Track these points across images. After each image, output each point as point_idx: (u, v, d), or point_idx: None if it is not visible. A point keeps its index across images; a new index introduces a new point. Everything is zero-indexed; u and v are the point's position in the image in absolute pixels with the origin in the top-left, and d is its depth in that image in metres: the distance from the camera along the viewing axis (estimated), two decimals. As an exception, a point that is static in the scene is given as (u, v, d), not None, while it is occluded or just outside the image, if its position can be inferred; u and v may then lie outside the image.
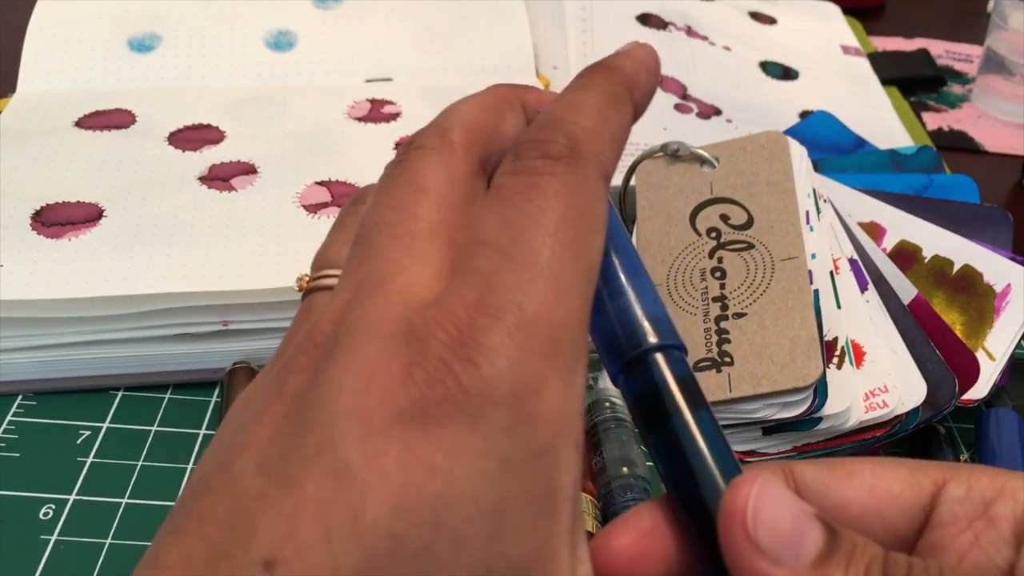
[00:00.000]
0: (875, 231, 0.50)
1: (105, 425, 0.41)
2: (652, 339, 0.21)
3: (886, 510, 0.22)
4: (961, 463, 0.23)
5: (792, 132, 0.58)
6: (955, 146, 0.65)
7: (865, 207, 0.51)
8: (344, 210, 0.24)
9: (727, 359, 0.42)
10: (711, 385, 0.42)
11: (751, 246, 0.46)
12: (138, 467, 0.39)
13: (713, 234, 0.47)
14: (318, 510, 0.15)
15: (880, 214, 0.51)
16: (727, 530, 0.19)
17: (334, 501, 0.16)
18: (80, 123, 0.53)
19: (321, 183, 0.48)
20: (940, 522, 0.21)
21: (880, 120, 0.65)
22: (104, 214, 0.45)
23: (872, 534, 0.21)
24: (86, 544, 0.36)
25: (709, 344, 0.43)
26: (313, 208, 0.46)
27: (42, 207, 0.45)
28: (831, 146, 0.60)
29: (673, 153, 0.50)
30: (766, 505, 0.19)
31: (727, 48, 0.69)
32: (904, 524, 0.22)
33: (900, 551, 0.21)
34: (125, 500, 0.38)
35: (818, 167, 0.53)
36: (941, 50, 0.77)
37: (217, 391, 0.43)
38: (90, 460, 0.39)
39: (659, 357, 0.21)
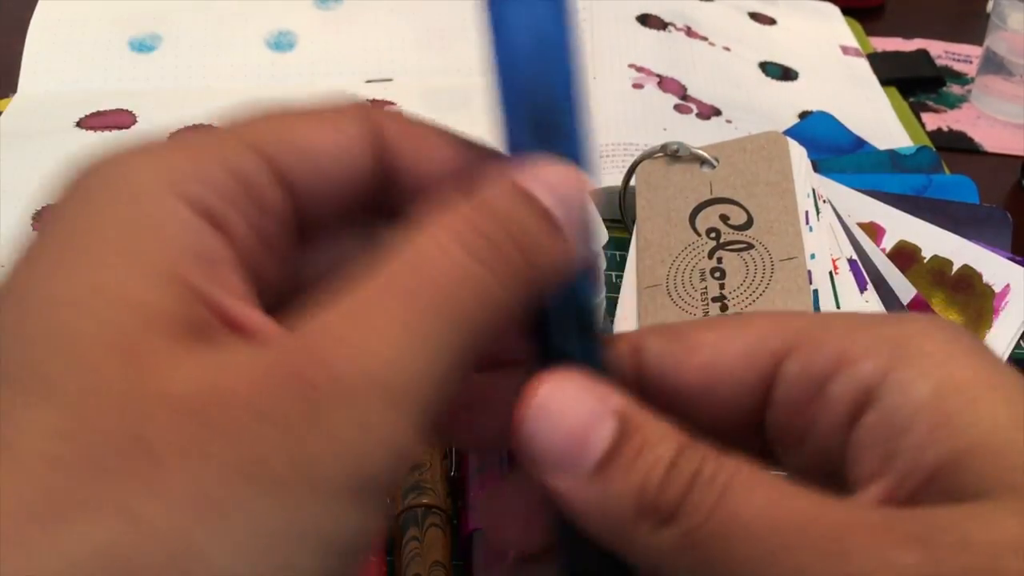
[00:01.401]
0: (874, 231, 0.50)
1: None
2: None
3: (722, 390, 0.20)
4: (813, 316, 0.20)
5: (792, 132, 0.58)
6: (954, 146, 0.65)
7: (864, 207, 0.51)
8: None
9: (727, 359, 0.42)
10: (711, 385, 0.42)
11: (750, 246, 0.46)
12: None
13: (712, 234, 0.47)
14: None
15: (879, 214, 0.51)
16: (516, 439, 0.17)
17: None
18: (81, 123, 0.53)
19: (321, 183, 0.49)
20: (778, 404, 0.19)
21: (879, 120, 0.65)
22: (105, 214, 0.45)
23: (714, 418, 0.19)
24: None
25: (709, 344, 0.43)
26: (313, 208, 0.47)
27: (42, 208, 0.46)
28: (830, 146, 0.60)
29: (673, 153, 0.50)
30: (552, 407, 0.17)
31: (727, 48, 0.69)
32: (745, 405, 0.20)
33: (747, 434, 0.20)
34: None
35: (817, 167, 0.53)
36: (940, 50, 0.77)
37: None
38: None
39: None
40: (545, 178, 0.18)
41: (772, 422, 0.20)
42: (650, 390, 0.20)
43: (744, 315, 0.20)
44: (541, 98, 0.20)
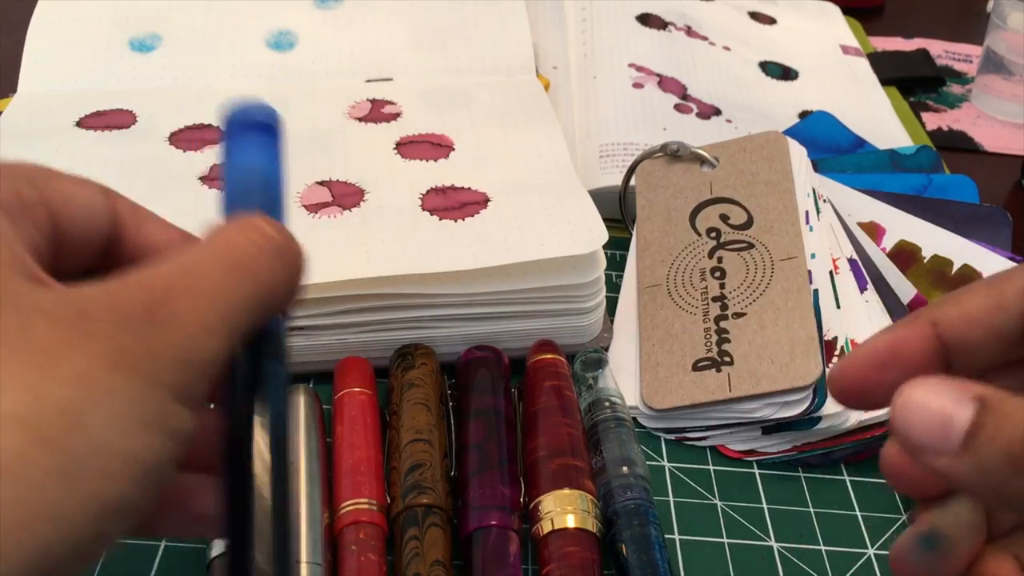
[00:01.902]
0: (874, 231, 0.50)
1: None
2: None
3: (996, 323, 0.23)
4: None
5: (792, 132, 0.58)
6: (954, 146, 0.65)
7: (864, 207, 0.51)
8: None
9: (727, 359, 0.42)
10: (711, 384, 0.42)
11: (751, 246, 0.46)
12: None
13: (713, 234, 0.47)
14: None
15: (879, 214, 0.51)
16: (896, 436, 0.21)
17: None
18: (81, 123, 0.53)
19: (322, 183, 0.49)
20: None
21: (879, 120, 0.65)
22: (105, 214, 0.45)
23: (990, 347, 0.23)
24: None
25: (709, 344, 0.43)
26: (314, 208, 0.47)
27: None
28: (830, 146, 0.60)
29: (673, 153, 0.50)
30: (917, 395, 0.20)
31: (727, 48, 0.69)
32: (1017, 330, 0.23)
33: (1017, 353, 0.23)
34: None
35: (817, 167, 0.53)
36: (940, 50, 0.77)
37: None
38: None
39: None
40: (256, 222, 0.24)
41: None
42: (948, 346, 0.23)
43: (1004, 272, 0.24)
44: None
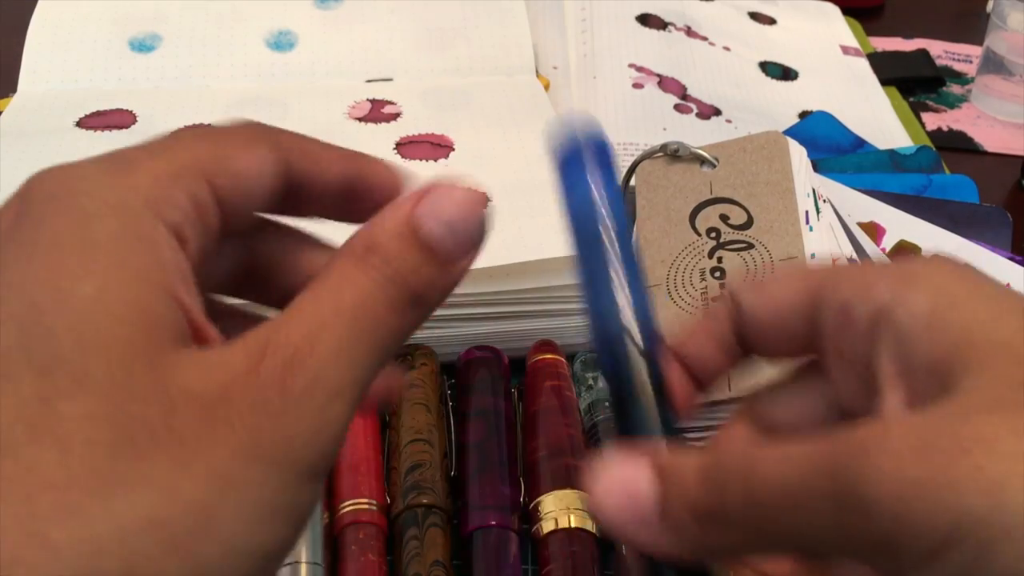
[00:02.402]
0: (874, 231, 0.50)
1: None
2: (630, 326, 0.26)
3: (788, 318, 0.24)
4: (856, 263, 0.24)
5: (791, 132, 0.58)
6: (954, 146, 0.65)
7: (864, 207, 0.51)
8: None
9: (727, 359, 0.42)
10: (711, 385, 0.42)
11: (751, 246, 0.46)
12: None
13: (713, 234, 0.47)
14: None
15: (879, 214, 0.51)
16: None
17: None
18: (81, 123, 0.53)
19: (321, 183, 0.49)
20: (820, 331, 0.23)
21: (879, 120, 0.65)
22: (105, 214, 0.45)
23: (777, 344, 0.25)
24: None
25: (709, 344, 0.43)
26: (313, 208, 0.47)
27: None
28: (830, 146, 0.60)
29: (673, 153, 0.50)
30: (601, 479, 0.21)
31: (727, 48, 0.69)
32: (802, 329, 0.24)
33: (807, 351, 0.24)
34: None
35: (817, 167, 0.53)
36: (940, 50, 0.77)
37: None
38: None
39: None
40: (434, 206, 0.21)
41: (823, 345, 0.23)
42: (746, 328, 0.25)
43: (802, 266, 0.25)
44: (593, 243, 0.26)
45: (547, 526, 0.35)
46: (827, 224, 0.47)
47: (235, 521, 0.17)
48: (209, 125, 0.22)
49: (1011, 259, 0.47)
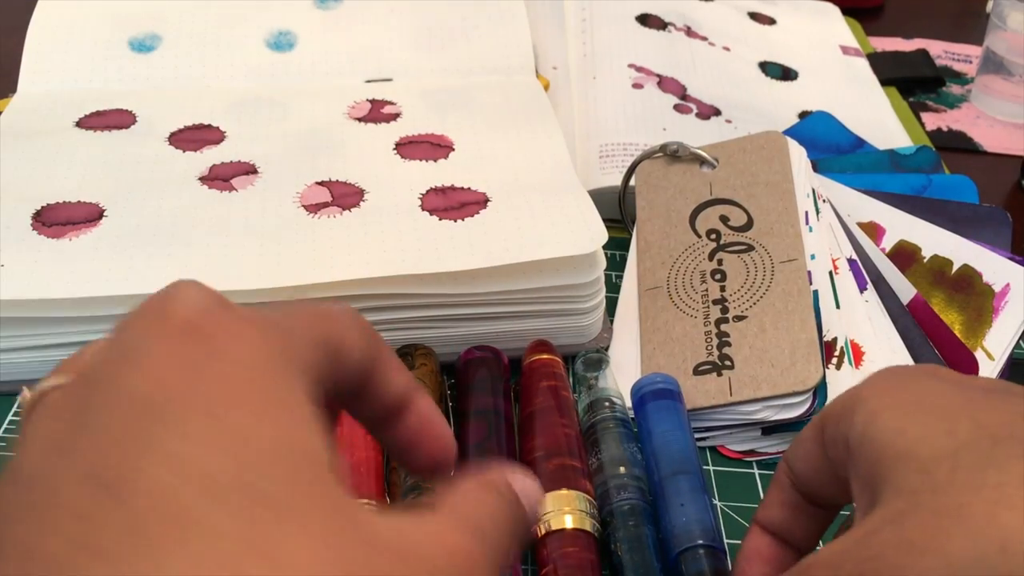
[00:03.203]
0: (874, 231, 0.50)
1: (106, 425, 0.41)
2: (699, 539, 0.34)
3: (813, 465, 0.27)
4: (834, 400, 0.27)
5: (791, 132, 0.58)
6: (954, 146, 0.65)
7: (864, 207, 0.51)
8: None
9: (727, 362, 0.42)
10: (712, 388, 0.42)
11: (751, 248, 0.46)
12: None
13: (713, 236, 0.47)
14: None
15: (879, 214, 0.51)
16: None
17: None
18: (81, 123, 0.53)
19: (321, 183, 0.49)
20: (833, 467, 0.26)
21: (879, 120, 0.65)
22: (105, 214, 0.45)
23: (823, 484, 0.27)
24: (87, 543, 0.36)
25: (709, 347, 0.43)
26: (313, 208, 0.47)
27: (42, 207, 0.46)
28: (830, 146, 0.60)
29: (672, 153, 0.50)
30: None
31: (726, 48, 0.69)
32: (826, 470, 0.27)
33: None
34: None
35: (817, 167, 0.54)
36: (940, 50, 0.77)
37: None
38: (91, 460, 0.39)
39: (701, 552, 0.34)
40: (520, 481, 0.24)
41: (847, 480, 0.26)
42: (802, 488, 0.28)
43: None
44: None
45: (545, 527, 0.35)
46: (827, 224, 0.47)
47: None
48: (317, 305, 0.23)
49: (1011, 259, 0.47)
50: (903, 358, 0.43)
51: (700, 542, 0.34)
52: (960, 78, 0.74)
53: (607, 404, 0.41)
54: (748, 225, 0.47)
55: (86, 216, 0.45)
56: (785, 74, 0.68)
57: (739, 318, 0.44)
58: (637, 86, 0.62)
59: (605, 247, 0.44)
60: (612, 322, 0.47)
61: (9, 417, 0.41)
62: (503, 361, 0.43)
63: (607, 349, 0.46)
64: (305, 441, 0.18)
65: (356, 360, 0.23)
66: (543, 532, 0.36)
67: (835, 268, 0.45)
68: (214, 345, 0.19)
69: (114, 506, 0.16)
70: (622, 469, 0.38)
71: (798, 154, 0.49)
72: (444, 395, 0.42)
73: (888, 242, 0.50)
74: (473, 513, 0.22)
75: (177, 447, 0.17)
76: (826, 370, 0.41)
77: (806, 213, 0.46)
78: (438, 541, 0.19)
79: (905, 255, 0.49)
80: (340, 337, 0.22)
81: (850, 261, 0.46)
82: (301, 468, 0.18)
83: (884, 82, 0.70)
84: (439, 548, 0.19)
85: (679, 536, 0.34)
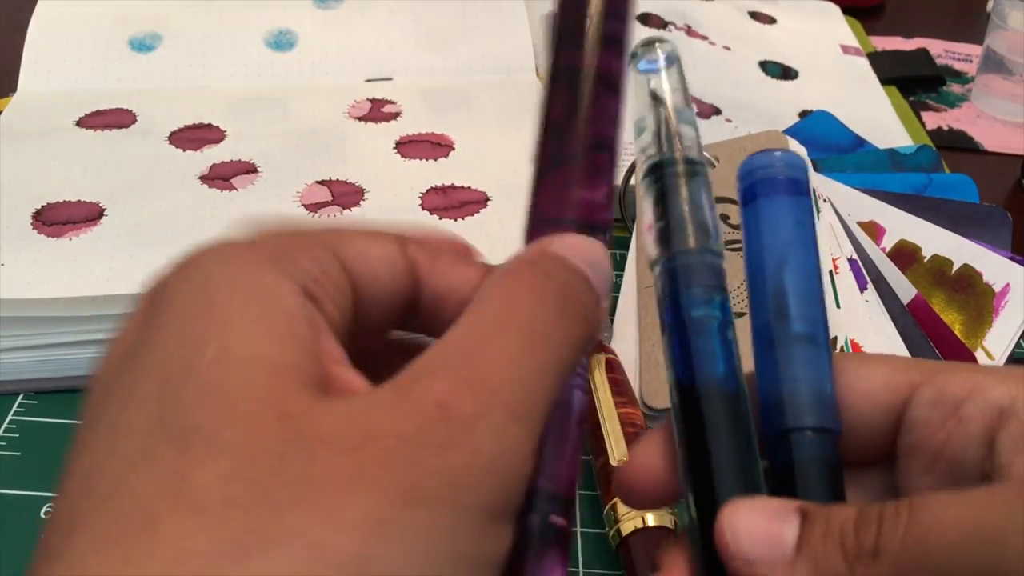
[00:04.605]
0: (874, 231, 0.50)
1: (106, 424, 0.41)
2: (809, 419, 0.23)
3: (863, 408, 0.23)
4: (943, 363, 0.24)
5: (792, 132, 0.58)
6: (954, 145, 0.65)
7: (864, 207, 0.51)
8: None
9: (726, 358, 0.42)
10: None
11: (751, 246, 0.46)
12: (139, 466, 0.39)
13: (713, 234, 0.47)
14: None
15: (879, 214, 0.51)
16: (721, 553, 0.21)
17: None
18: (81, 122, 0.53)
19: (321, 182, 0.49)
20: (914, 424, 0.23)
21: (879, 120, 0.65)
22: (105, 213, 0.45)
23: (855, 431, 0.23)
24: (87, 543, 0.36)
25: (709, 343, 0.43)
26: (313, 207, 0.47)
27: (43, 206, 0.46)
28: (830, 145, 0.60)
29: (673, 153, 0.50)
30: (741, 518, 0.21)
31: (727, 48, 0.69)
32: (882, 422, 0.23)
33: (882, 448, 0.23)
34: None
35: (817, 167, 0.53)
36: (940, 49, 0.77)
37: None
38: (91, 459, 0.39)
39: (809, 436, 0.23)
40: (576, 247, 0.21)
41: (906, 443, 0.23)
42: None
43: (883, 354, 0.25)
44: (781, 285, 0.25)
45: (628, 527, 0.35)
46: (827, 224, 0.47)
47: (396, 574, 0.15)
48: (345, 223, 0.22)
49: (1011, 259, 0.47)
50: (903, 357, 0.43)
51: (824, 424, 0.23)
52: (960, 77, 0.74)
53: (665, 138, 0.26)
54: (748, 224, 0.47)
55: (86, 215, 0.45)
56: (785, 73, 0.68)
57: (738, 315, 0.44)
58: (637, 85, 0.62)
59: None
60: (612, 320, 0.47)
61: (9, 417, 0.41)
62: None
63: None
64: (240, 351, 0.17)
65: (385, 261, 0.21)
66: (624, 533, 0.34)
67: (835, 268, 0.45)
68: (192, 271, 0.19)
69: None
70: (692, 241, 0.24)
71: (798, 153, 0.49)
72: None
73: (888, 242, 0.50)
74: (504, 317, 0.18)
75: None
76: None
77: (806, 212, 0.46)
78: (424, 396, 0.17)
79: (905, 255, 0.49)
80: (351, 241, 0.21)
81: (850, 261, 0.46)
82: (224, 384, 0.17)
83: (884, 81, 0.70)
84: (422, 404, 0.16)
85: (789, 409, 0.23)
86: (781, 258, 0.25)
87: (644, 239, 0.26)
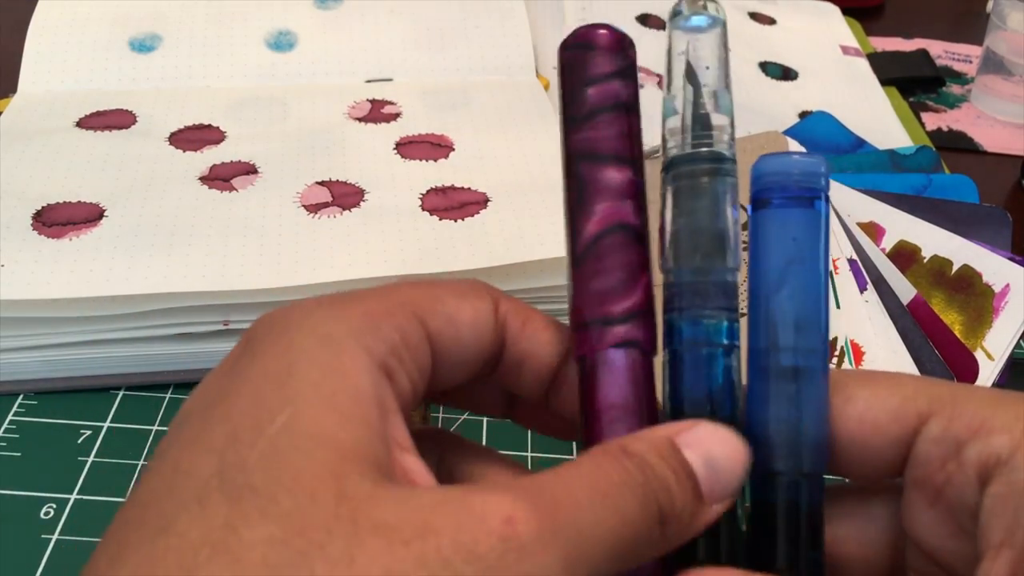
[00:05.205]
0: (874, 231, 0.50)
1: (106, 425, 0.41)
2: (791, 463, 0.22)
3: (872, 441, 0.22)
4: (957, 386, 0.22)
5: (791, 132, 0.58)
6: (954, 146, 0.65)
7: (864, 207, 0.51)
8: None
9: (727, 359, 0.42)
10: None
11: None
12: (139, 466, 0.39)
13: (713, 234, 0.47)
14: None
15: (879, 214, 0.51)
16: None
17: None
18: (81, 123, 0.53)
19: (322, 183, 0.49)
20: (918, 459, 0.22)
21: (879, 120, 0.65)
22: (105, 214, 0.45)
23: (863, 461, 0.22)
24: (87, 544, 0.36)
25: (709, 344, 0.43)
26: (313, 208, 0.47)
27: (43, 207, 0.46)
28: (830, 146, 0.60)
29: (673, 153, 0.50)
30: None
31: (727, 48, 0.69)
32: (890, 453, 0.22)
33: (893, 473, 0.22)
34: (126, 499, 0.38)
35: (817, 167, 0.53)
36: (940, 50, 0.77)
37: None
38: (91, 459, 0.39)
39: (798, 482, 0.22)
40: (700, 439, 0.20)
41: (911, 476, 0.22)
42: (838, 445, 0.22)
43: (892, 373, 0.23)
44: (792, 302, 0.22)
45: None
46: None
47: None
48: (430, 282, 0.22)
49: (1011, 259, 0.47)
50: (903, 358, 0.43)
51: (802, 468, 0.22)
52: (960, 78, 0.74)
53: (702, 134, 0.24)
54: (747, 225, 0.47)
55: (86, 216, 0.45)
56: (785, 74, 0.68)
57: (739, 315, 0.44)
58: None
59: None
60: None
61: (9, 417, 0.41)
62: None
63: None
64: (310, 426, 0.18)
65: (471, 324, 0.21)
66: None
67: (835, 268, 0.45)
68: (256, 348, 0.20)
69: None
70: (699, 258, 0.23)
71: (798, 154, 0.49)
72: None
73: (888, 242, 0.50)
74: (560, 484, 0.18)
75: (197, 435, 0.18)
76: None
77: (806, 213, 0.46)
78: (493, 508, 0.17)
79: (905, 255, 0.49)
80: (439, 303, 0.21)
81: (850, 261, 0.46)
82: (290, 454, 0.17)
83: (884, 82, 0.70)
84: (488, 514, 0.16)
85: (774, 448, 0.22)
86: (780, 278, 0.22)
87: (658, 235, 0.24)
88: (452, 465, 0.24)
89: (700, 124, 0.24)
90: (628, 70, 0.23)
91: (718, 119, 0.23)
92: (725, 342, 0.23)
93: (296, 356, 0.19)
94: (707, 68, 0.23)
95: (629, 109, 0.24)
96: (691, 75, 0.23)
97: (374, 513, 0.16)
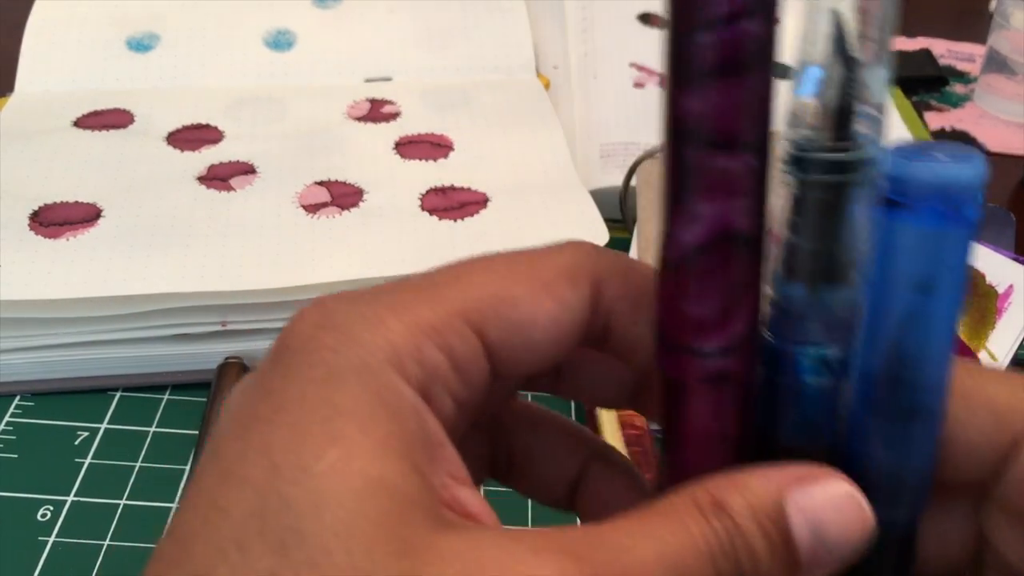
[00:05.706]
0: (877, 231, 0.50)
1: (103, 426, 0.41)
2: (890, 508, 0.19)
3: (963, 462, 0.20)
4: None
5: (793, 132, 0.58)
6: (957, 146, 0.65)
7: (867, 207, 0.51)
8: None
9: (728, 360, 0.42)
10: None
11: (752, 246, 0.46)
12: (136, 468, 0.39)
13: (714, 234, 0.47)
14: None
15: (882, 214, 0.50)
16: None
17: None
18: (78, 123, 0.53)
19: (320, 183, 0.48)
20: (1008, 480, 0.19)
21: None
22: (102, 214, 0.45)
23: (950, 485, 0.20)
24: (84, 545, 0.36)
25: (710, 345, 0.43)
26: (312, 208, 0.46)
27: (40, 207, 0.45)
28: (833, 146, 0.59)
29: (674, 153, 0.50)
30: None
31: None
32: (980, 474, 0.20)
33: (978, 495, 0.20)
34: (123, 501, 0.38)
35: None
36: (943, 49, 0.77)
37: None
38: (88, 461, 0.39)
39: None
40: (813, 503, 0.17)
41: (998, 492, 0.20)
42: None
43: (999, 375, 0.20)
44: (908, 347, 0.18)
45: None
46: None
47: None
48: (523, 251, 0.19)
49: (1014, 259, 0.47)
50: (906, 359, 0.43)
51: (902, 515, 0.20)
52: (963, 77, 0.74)
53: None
54: (750, 225, 0.46)
55: (84, 216, 0.45)
56: (785, 73, 0.68)
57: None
58: (638, 85, 0.61)
59: (605, 247, 0.44)
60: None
61: (6, 418, 0.41)
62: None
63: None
64: (360, 469, 0.16)
65: (544, 328, 0.19)
66: None
67: (837, 268, 0.45)
68: (291, 369, 0.18)
69: None
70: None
71: (800, 153, 0.48)
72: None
73: (891, 242, 0.50)
74: (627, 543, 0.17)
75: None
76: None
77: (808, 213, 0.46)
78: (512, 566, 0.16)
79: None
80: (506, 309, 0.19)
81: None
82: (342, 499, 0.16)
83: (886, 81, 0.69)
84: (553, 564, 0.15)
85: (874, 491, 0.19)
86: (915, 305, 0.18)
87: (771, 241, 0.19)
88: (516, 447, 0.22)
89: (845, 116, 0.18)
90: (764, 2, 0.17)
91: (868, 109, 0.18)
92: (838, 375, 0.20)
93: (336, 387, 0.17)
94: (863, 45, 0.18)
95: (761, 63, 0.18)
96: (841, 47, 0.18)
97: (435, 567, 0.15)
